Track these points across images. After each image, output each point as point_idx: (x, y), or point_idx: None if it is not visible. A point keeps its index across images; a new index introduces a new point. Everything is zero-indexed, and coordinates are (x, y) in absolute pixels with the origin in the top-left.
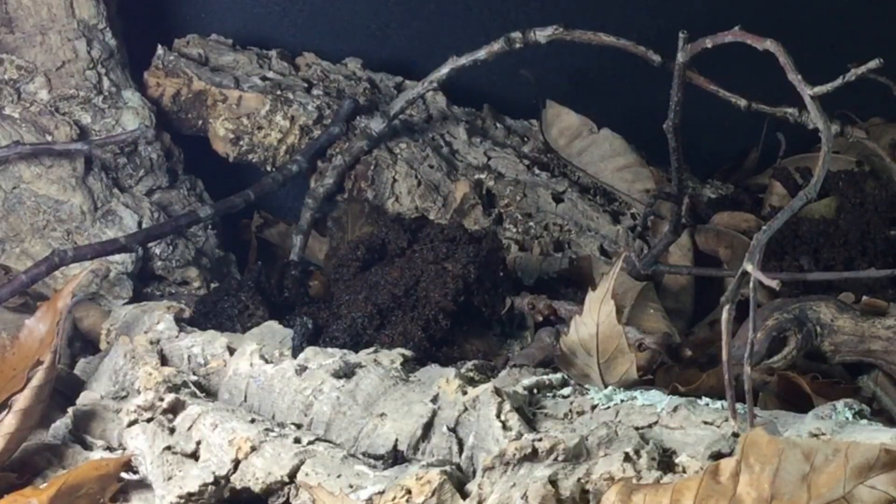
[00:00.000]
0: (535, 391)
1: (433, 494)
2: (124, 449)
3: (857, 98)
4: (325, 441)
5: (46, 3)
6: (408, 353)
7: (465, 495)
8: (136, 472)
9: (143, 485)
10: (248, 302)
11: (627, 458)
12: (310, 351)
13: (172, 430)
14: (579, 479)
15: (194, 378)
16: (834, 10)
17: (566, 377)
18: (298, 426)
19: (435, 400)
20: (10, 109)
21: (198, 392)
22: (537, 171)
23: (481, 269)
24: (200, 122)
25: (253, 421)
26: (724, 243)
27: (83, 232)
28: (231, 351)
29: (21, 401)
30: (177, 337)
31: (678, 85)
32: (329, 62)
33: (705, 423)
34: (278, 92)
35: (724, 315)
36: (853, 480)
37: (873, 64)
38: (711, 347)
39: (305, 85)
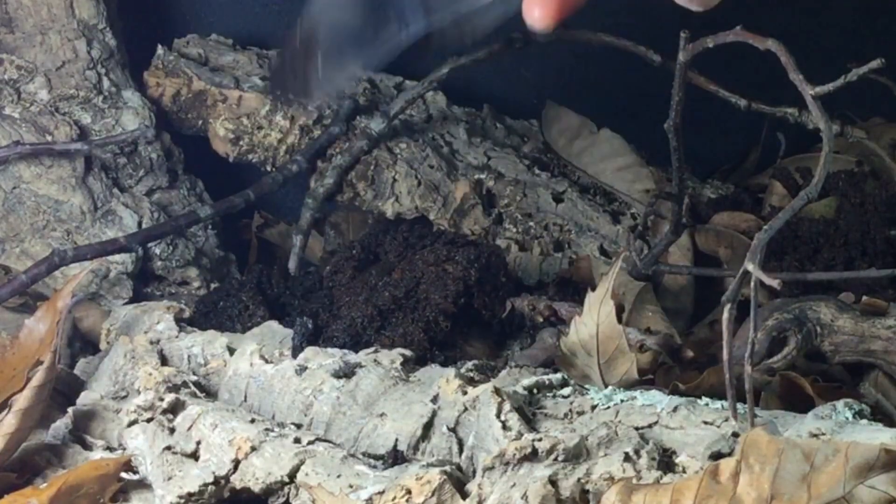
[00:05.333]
0: (535, 391)
1: (433, 494)
2: (124, 449)
3: (857, 98)
4: (325, 441)
5: (46, 3)
6: (408, 353)
7: (465, 495)
8: (136, 472)
9: (143, 485)
10: (248, 302)
11: (627, 458)
12: (310, 351)
13: (172, 430)
14: (579, 479)
15: (194, 378)
16: (835, 10)
17: (566, 377)
18: (298, 426)
19: (435, 400)
20: (10, 109)
21: (198, 392)
22: (537, 171)
23: (482, 272)
24: (200, 122)
25: (253, 421)
26: (724, 243)
27: (83, 232)
28: (231, 351)
29: (21, 401)
30: (177, 337)
31: (679, 85)
32: None
33: (705, 423)
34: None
35: (725, 315)
36: (853, 480)
37: (874, 64)
38: (711, 347)
39: None
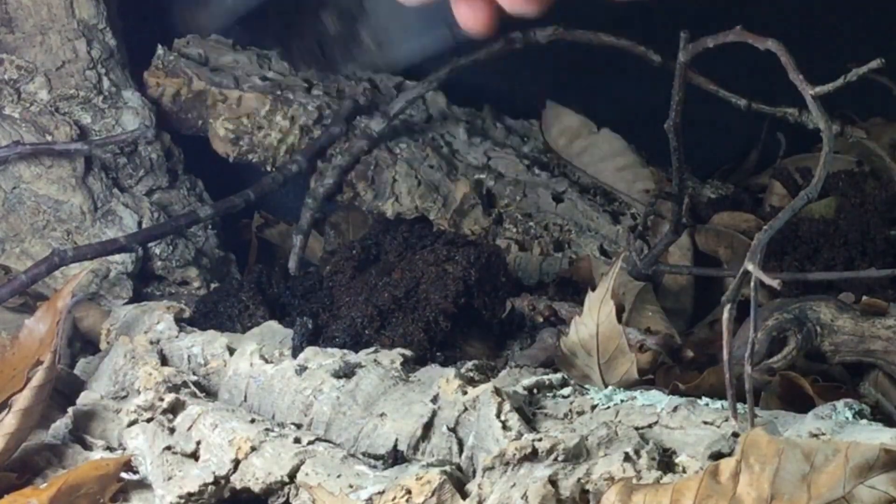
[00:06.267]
0: (535, 391)
1: (433, 494)
2: (124, 449)
3: (857, 98)
4: (325, 441)
5: (46, 3)
6: (408, 352)
7: (465, 495)
8: (136, 472)
9: (143, 485)
10: (248, 302)
11: (627, 458)
12: (310, 351)
13: (172, 430)
14: (579, 479)
15: (194, 378)
16: (834, 10)
17: (566, 377)
18: (298, 426)
19: (435, 400)
20: (10, 109)
21: (198, 392)
22: (537, 171)
23: (482, 272)
24: (200, 122)
25: (253, 421)
26: (724, 243)
27: (83, 232)
28: (231, 351)
29: (21, 401)
30: (177, 337)
31: (679, 85)
32: None
33: (705, 423)
34: (278, 92)
35: (725, 314)
36: (853, 480)
37: (874, 64)
38: (711, 347)
39: (305, 85)
